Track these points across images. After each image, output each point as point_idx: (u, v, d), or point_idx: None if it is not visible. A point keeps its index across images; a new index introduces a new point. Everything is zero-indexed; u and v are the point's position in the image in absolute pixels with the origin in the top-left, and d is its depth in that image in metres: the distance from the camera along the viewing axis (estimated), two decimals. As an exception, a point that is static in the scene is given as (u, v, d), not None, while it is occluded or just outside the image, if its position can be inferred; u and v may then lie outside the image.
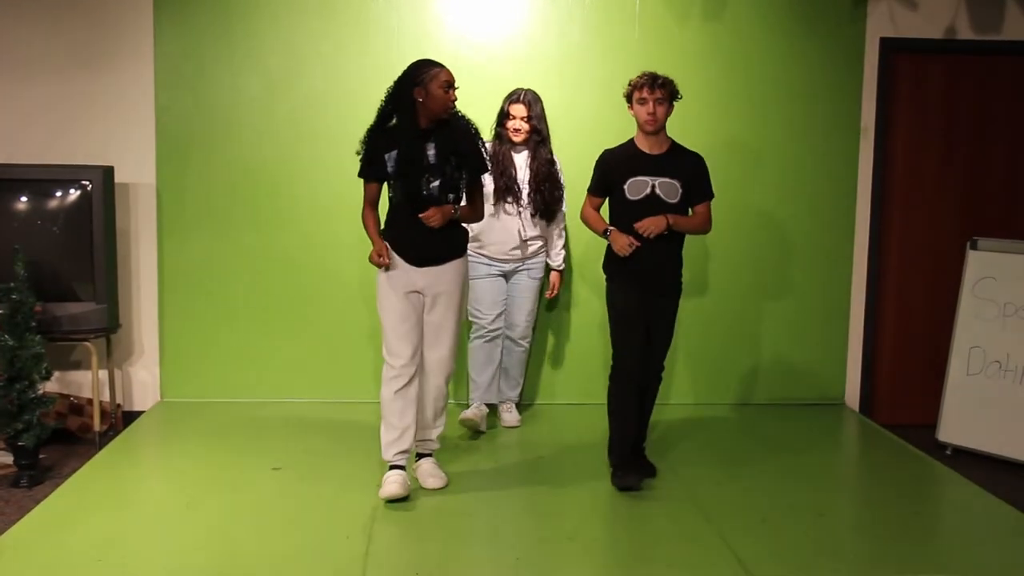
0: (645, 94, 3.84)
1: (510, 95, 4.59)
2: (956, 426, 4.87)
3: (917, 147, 5.35)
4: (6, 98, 4.98)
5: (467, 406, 4.82)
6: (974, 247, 4.93)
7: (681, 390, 5.33)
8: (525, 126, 4.53)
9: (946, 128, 5.34)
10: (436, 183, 3.70)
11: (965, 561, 3.42)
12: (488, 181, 4.46)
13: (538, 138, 4.58)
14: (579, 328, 5.24)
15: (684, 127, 5.07)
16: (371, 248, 3.76)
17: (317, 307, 5.16)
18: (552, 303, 5.22)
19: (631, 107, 3.92)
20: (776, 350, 5.37)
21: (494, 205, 4.56)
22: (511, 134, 4.54)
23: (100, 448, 4.50)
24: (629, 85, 3.90)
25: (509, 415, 4.83)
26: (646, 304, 3.94)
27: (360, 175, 3.80)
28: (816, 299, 5.35)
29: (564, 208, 4.73)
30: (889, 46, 5.22)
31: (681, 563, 3.28)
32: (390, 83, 4.90)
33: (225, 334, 5.18)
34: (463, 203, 3.85)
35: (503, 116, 4.58)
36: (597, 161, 4.03)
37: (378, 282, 3.82)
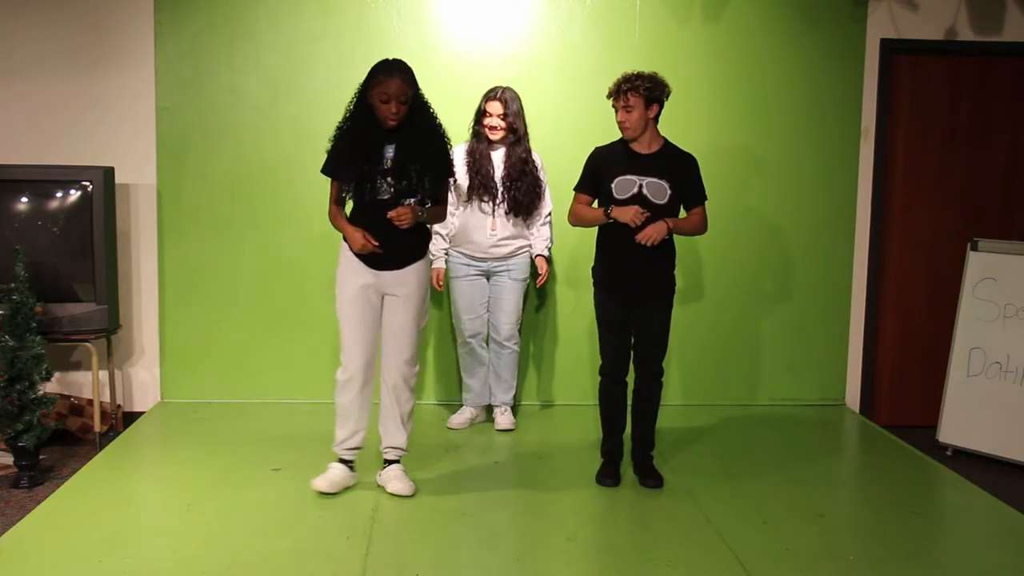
0: (614, 103, 3.86)
1: (487, 93, 4.58)
2: (956, 427, 4.86)
3: (917, 148, 5.35)
4: (7, 99, 4.98)
5: (457, 408, 4.94)
6: (974, 248, 4.93)
7: (681, 391, 5.33)
8: (502, 123, 4.52)
9: (946, 129, 5.34)
10: (393, 187, 3.64)
11: (965, 562, 3.42)
12: (464, 179, 4.49)
13: (514, 136, 4.56)
14: (577, 329, 5.24)
15: (683, 127, 5.09)
16: (355, 241, 3.67)
17: (317, 307, 5.15)
18: (548, 303, 5.23)
19: None
20: (776, 351, 5.37)
21: (470, 203, 4.57)
22: (488, 132, 4.53)
23: (100, 449, 4.50)
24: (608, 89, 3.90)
25: (503, 418, 4.82)
26: (633, 310, 3.94)
27: (323, 171, 3.77)
28: (816, 299, 5.35)
29: (548, 204, 4.70)
30: (889, 47, 5.22)
31: (681, 563, 3.27)
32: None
33: (225, 334, 5.18)
34: (428, 206, 3.77)
35: (480, 114, 4.57)
36: (587, 159, 4.03)
37: (337, 285, 3.82)
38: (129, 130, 5.05)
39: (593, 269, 4.05)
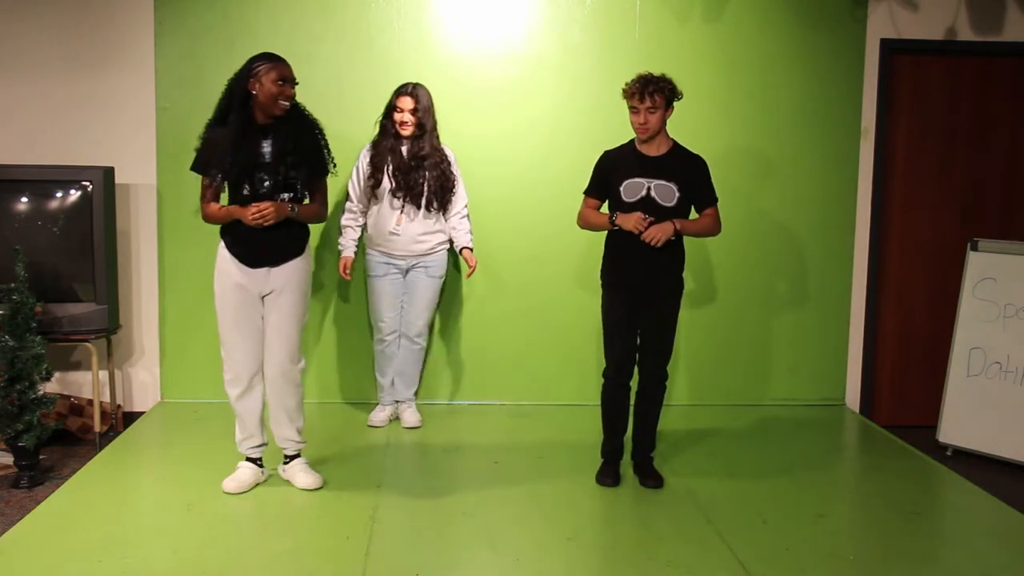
0: (636, 103, 3.79)
1: (398, 89, 4.55)
2: (956, 427, 4.87)
3: (917, 148, 5.35)
4: (6, 99, 4.98)
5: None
6: (974, 248, 4.93)
7: (681, 391, 5.33)
8: (411, 119, 4.50)
9: (946, 129, 5.34)
10: (269, 182, 3.62)
11: (965, 562, 3.42)
12: (369, 174, 4.52)
13: (420, 131, 4.54)
14: (575, 330, 5.23)
15: (683, 128, 5.08)
16: (248, 214, 3.58)
17: (315, 308, 5.15)
18: (551, 303, 5.22)
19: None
20: (776, 351, 5.36)
21: (378, 199, 4.57)
22: (398, 127, 4.52)
23: (100, 449, 4.50)
24: (624, 89, 3.82)
25: (409, 415, 4.83)
26: (640, 313, 3.93)
27: (194, 169, 3.72)
28: (817, 299, 5.35)
29: (463, 198, 4.69)
30: (889, 47, 5.22)
31: (681, 563, 3.28)
32: (391, 83, 4.90)
33: (225, 334, 5.17)
34: (305, 202, 3.75)
35: (390, 109, 4.55)
36: (597, 162, 4.01)
37: (214, 285, 3.76)
38: (129, 130, 5.05)
39: (601, 271, 4.05)
